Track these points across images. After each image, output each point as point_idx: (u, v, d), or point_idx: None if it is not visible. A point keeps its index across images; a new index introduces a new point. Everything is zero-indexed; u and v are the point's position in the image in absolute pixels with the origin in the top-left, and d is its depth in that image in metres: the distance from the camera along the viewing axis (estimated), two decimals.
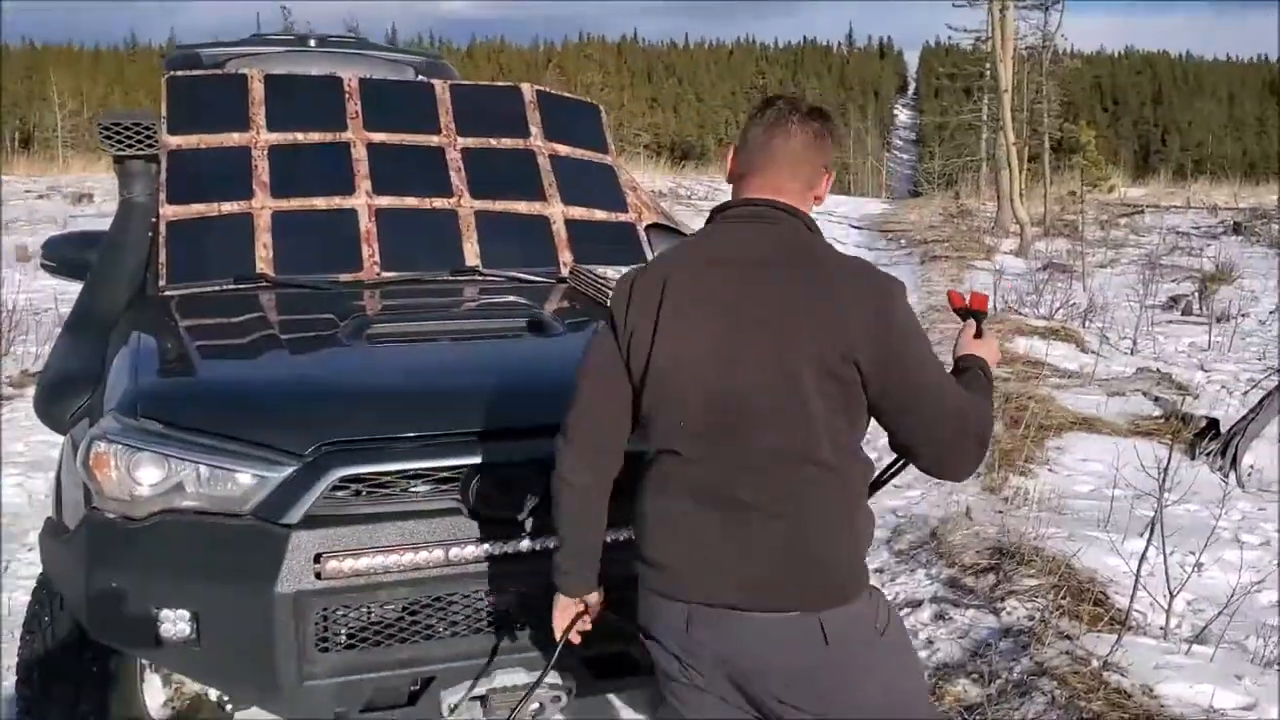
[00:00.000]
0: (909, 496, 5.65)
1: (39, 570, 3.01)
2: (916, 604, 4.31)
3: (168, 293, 3.54)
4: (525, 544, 2.65)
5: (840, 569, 2.04)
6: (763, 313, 2.01)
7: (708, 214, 2.23)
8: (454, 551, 2.60)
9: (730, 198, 2.18)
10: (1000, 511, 5.21)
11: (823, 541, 2.01)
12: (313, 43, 5.37)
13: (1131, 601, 3.98)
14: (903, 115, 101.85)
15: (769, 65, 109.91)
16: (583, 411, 2.15)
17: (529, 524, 2.65)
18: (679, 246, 2.24)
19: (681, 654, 2.08)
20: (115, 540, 2.54)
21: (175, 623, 2.49)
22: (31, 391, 3.92)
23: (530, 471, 2.65)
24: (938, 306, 12.28)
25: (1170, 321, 11.56)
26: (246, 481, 2.56)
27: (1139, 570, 3.94)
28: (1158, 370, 8.51)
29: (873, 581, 2.14)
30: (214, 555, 2.51)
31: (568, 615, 2.29)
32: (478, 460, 2.64)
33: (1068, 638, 3.82)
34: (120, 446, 2.57)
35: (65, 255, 3.95)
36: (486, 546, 2.62)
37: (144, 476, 2.56)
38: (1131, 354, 9.74)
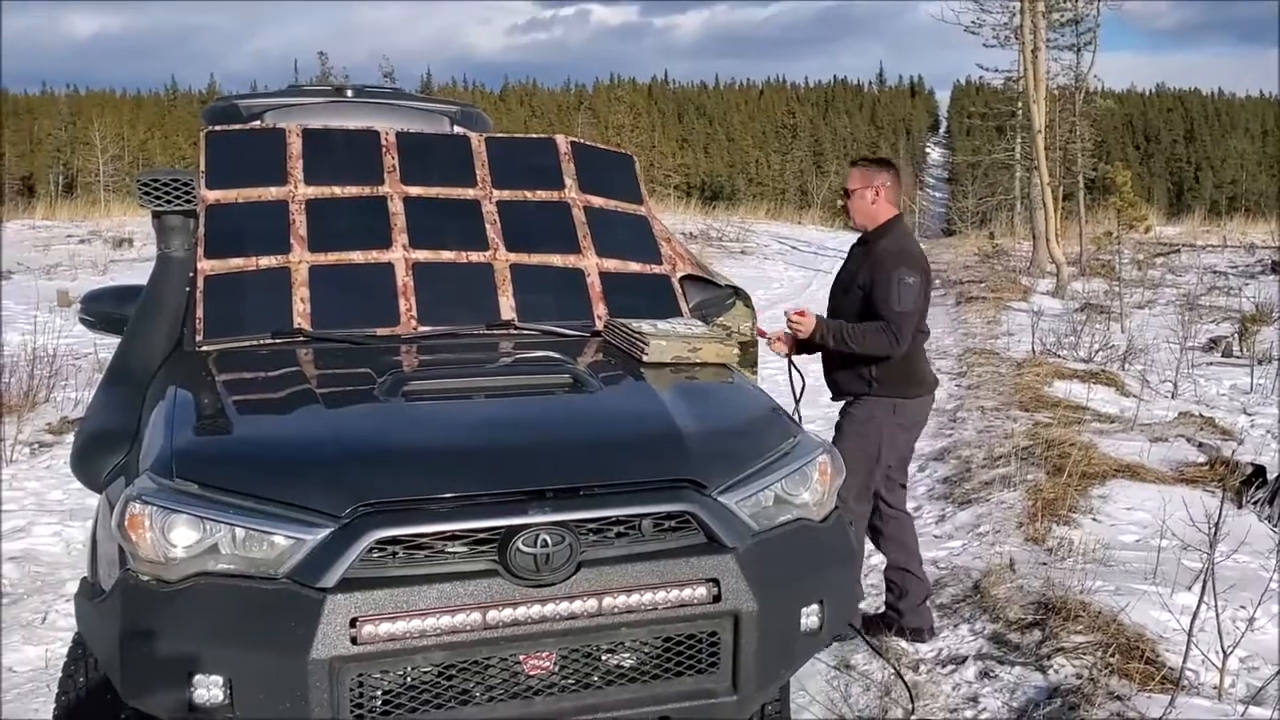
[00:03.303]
0: (949, 548, 5.55)
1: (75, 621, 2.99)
2: (960, 661, 4.21)
3: (205, 348, 3.53)
4: (564, 607, 2.61)
5: None
6: None
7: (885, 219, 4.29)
8: (491, 614, 2.56)
9: (888, 212, 4.31)
10: (1044, 563, 5.09)
11: None
12: (349, 93, 5.39)
13: (1184, 661, 3.86)
14: (934, 154, 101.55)
15: (799, 104, 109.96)
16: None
17: (567, 586, 2.60)
18: (909, 236, 4.44)
19: (919, 421, 4.47)
20: (149, 605, 2.52)
21: (209, 688, 2.46)
22: (71, 438, 3.92)
23: (568, 532, 2.61)
24: (975, 350, 12.17)
25: (1210, 364, 11.38)
26: (282, 544, 2.54)
27: (1191, 628, 3.83)
28: (1200, 414, 8.36)
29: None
30: (248, 620, 2.48)
31: None
32: (516, 521, 2.60)
33: (1118, 698, 3.71)
34: (155, 508, 2.56)
35: (103, 310, 3.96)
36: (524, 609, 2.58)
37: (179, 538, 2.54)
38: (1172, 397, 9.59)
